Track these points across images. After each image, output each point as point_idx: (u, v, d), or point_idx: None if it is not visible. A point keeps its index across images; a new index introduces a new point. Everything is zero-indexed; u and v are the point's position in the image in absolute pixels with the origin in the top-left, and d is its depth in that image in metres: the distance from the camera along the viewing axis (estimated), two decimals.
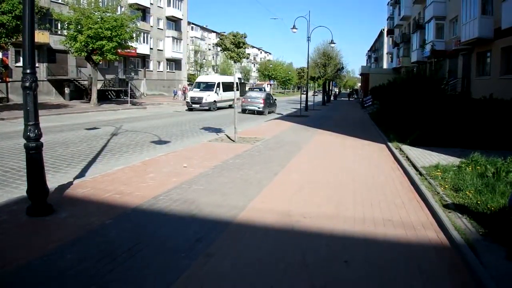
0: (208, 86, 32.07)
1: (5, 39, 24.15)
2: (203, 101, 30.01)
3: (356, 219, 5.36)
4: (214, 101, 30.94)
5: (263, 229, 4.99)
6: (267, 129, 16.93)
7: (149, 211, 5.62)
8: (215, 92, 31.36)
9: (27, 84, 5.30)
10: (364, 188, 7.13)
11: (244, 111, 29.42)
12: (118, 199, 6.15)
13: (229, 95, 31.59)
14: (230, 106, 30.55)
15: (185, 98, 46.71)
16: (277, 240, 4.66)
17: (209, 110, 30.01)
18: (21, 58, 35.62)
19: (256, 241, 4.62)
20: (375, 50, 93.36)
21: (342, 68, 55.61)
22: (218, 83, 32.39)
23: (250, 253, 4.30)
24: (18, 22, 22.59)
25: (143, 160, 9.47)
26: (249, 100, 30.44)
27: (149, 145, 12.37)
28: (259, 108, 28.96)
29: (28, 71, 5.32)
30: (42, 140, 5.49)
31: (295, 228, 5.02)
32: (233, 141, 12.50)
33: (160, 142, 12.99)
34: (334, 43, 36.08)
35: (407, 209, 5.90)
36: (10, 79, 34.85)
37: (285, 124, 19.31)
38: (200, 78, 35.24)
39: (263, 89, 42.00)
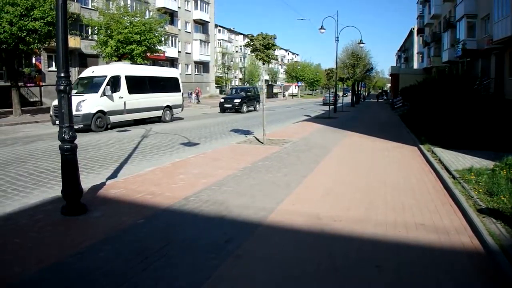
0: (92, 86, 18.51)
1: (38, 44, 24.77)
2: (77, 112, 15.88)
3: (387, 223, 5.29)
4: (101, 111, 17.34)
5: (292, 232, 4.98)
6: (295, 131, 16.89)
7: (179, 212, 5.68)
8: (104, 94, 17.67)
9: (62, 87, 5.45)
10: (395, 191, 7.03)
11: (223, 110, 31.05)
12: (150, 199, 6.25)
13: (162, 98, 21.64)
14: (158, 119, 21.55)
15: (198, 101, 46.68)
16: (306, 243, 4.64)
17: (84, 131, 16.67)
18: (53, 63, 36.96)
19: (285, 244, 4.61)
20: (405, 50, 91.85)
21: (371, 68, 55.03)
22: (115, 78, 18.53)
23: (279, 255, 4.30)
24: (50, 28, 23.18)
25: (173, 161, 9.59)
26: (228, 100, 31.61)
27: (178, 147, 12.53)
28: (236, 106, 30.83)
29: (62, 74, 5.46)
30: (76, 142, 5.63)
31: (325, 231, 4.99)
32: (262, 143, 12.53)
33: (189, 144, 13.14)
34: (363, 43, 35.61)
35: (440, 214, 5.78)
36: (43, 83, 35.77)
37: (313, 126, 19.22)
38: (86, 72, 20.51)
39: (250, 89, 37.20)
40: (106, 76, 18.35)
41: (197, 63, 62.15)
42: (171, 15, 52.37)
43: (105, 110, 17.64)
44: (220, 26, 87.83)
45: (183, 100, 24.21)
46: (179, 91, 23.71)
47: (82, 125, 16.44)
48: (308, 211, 5.72)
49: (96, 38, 34.26)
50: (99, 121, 17.30)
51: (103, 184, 7.23)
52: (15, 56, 25.85)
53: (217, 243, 4.58)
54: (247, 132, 16.07)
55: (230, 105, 31.22)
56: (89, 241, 4.64)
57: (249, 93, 34.16)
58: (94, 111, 17.01)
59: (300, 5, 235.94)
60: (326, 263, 4.13)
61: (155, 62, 50.09)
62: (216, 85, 73.21)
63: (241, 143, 12.79)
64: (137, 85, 19.86)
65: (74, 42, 35.46)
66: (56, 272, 3.90)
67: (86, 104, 16.91)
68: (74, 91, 17.08)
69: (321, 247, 4.52)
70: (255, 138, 13.85)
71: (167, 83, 22.83)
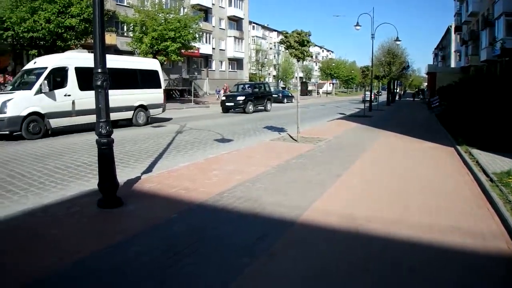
0: (30, 81, 14.82)
1: (75, 41, 25.44)
2: (1, 115, 13.04)
3: (422, 226, 5.12)
4: (36, 113, 13.72)
5: (325, 231, 4.91)
6: (330, 129, 16.75)
7: (213, 208, 5.69)
8: (40, 91, 13.86)
9: (99, 83, 5.54)
10: (431, 193, 6.84)
11: (225, 110, 27.49)
12: (183, 194, 6.29)
13: (131, 96, 17.48)
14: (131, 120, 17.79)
15: None
16: (340, 243, 4.56)
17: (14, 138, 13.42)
18: None
19: (319, 243, 4.55)
20: (442, 48, 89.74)
21: (408, 66, 54.03)
22: (59, 71, 14.77)
23: (312, 254, 4.24)
24: (87, 25, 23.80)
25: (207, 157, 9.64)
26: (230, 97, 27.92)
27: (212, 143, 12.59)
28: (239, 105, 27.24)
29: (99, 70, 5.55)
30: (112, 136, 5.72)
31: (359, 232, 4.89)
32: (296, 140, 12.45)
33: (223, 140, 13.19)
34: (399, 41, 34.99)
35: (477, 218, 5.56)
36: None
37: (348, 125, 19.01)
38: (29, 64, 16.37)
39: (259, 85, 32.04)
40: (45, 68, 14.41)
41: (231, 60, 62.41)
42: (205, 12, 52.73)
43: (42, 112, 13.80)
44: (254, 23, 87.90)
45: (164, 98, 19.88)
46: (159, 87, 19.37)
47: (7, 131, 13.06)
48: (341, 211, 5.62)
49: (131, 35, 34.84)
50: (33, 126, 13.52)
51: (138, 178, 7.33)
52: (53, 52, 26.46)
53: (250, 240, 4.55)
54: (281, 130, 16.01)
55: (233, 104, 27.34)
56: (123, 234, 4.70)
57: (257, 90, 29.91)
58: (24, 113, 13.27)
59: (335, 2, 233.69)
60: (359, 264, 4.05)
61: (190, 59, 50.62)
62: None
63: (274, 140, 12.75)
64: (82, 78, 15.13)
65: (110, 39, 36.08)
66: (90, 263, 3.96)
67: (13, 104, 13.14)
68: (8, 88, 15.53)
69: (354, 248, 4.44)
70: (289, 135, 13.78)
71: (142, 77, 18.46)
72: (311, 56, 12.72)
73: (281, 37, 12.74)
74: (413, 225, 5.13)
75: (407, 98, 71.76)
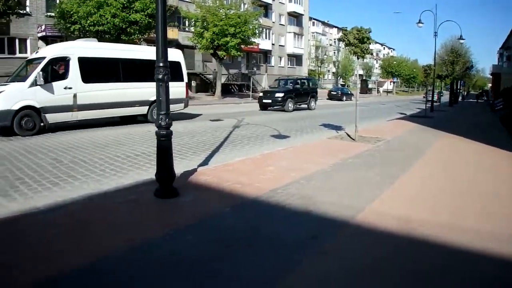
0: (23, 75, 14.05)
1: (138, 35, 26.23)
2: None
3: (480, 233, 4.85)
4: (31, 107, 12.57)
5: (379, 233, 4.77)
6: (388, 129, 16.33)
7: (267, 203, 5.68)
8: (35, 83, 12.66)
9: (160, 76, 5.66)
10: (492, 200, 6.48)
11: (262, 107, 25.09)
12: (238, 188, 6.32)
13: (146, 90, 15.56)
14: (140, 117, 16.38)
15: None
16: (394, 246, 4.42)
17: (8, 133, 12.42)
18: None
19: (372, 245, 4.43)
20: (507, 47, 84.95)
21: (471, 66, 51.87)
22: (59, 61, 13.75)
23: (365, 256, 4.14)
24: (150, 20, 24.49)
25: (263, 153, 9.66)
26: (268, 93, 25.46)
27: (269, 138, 12.61)
28: (278, 102, 24.48)
29: (161, 64, 5.66)
30: (171, 128, 5.83)
31: (413, 236, 4.71)
32: (353, 139, 12.23)
33: (280, 136, 13.18)
34: (463, 39, 33.49)
35: None
36: None
37: (408, 125, 18.46)
38: (33, 54, 16.27)
39: (302, 80, 29.29)
40: (43, 59, 13.24)
41: (290, 56, 62.28)
42: (265, 8, 52.90)
43: (38, 105, 12.66)
44: (314, 19, 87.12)
45: (187, 93, 18.07)
46: (182, 80, 17.43)
47: None
48: (398, 214, 5.45)
49: (192, 30, 35.46)
50: (26, 121, 12.39)
51: (194, 170, 7.45)
52: None
53: (303, 238, 4.50)
54: (338, 128, 15.80)
55: (270, 101, 24.77)
56: (177, 224, 4.80)
57: (299, 86, 27.22)
58: (16, 107, 12.21)
59: None
60: (411, 269, 3.90)
61: (249, 54, 50.96)
62: None
63: (331, 139, 12.59)
64: (100, 70, 14.52)
65: (172, 33, 36.91)
66: (143, 250, 4.07)
67: (3, 98, 12.17)
68: (8, 79, 14.42)
69: (407, 252, 4.30)
70: (347, 134, 13.57)
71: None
72: (371, 54, 12.50)
73: (341, 33, 12.54)
74: (471, 232, 4.88)
75: (470, 99, 68.85)
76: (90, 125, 14.30)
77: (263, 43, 51.62)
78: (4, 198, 6.07)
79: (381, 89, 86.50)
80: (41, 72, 12.65)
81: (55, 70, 13.51)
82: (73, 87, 13.51)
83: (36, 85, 12.60)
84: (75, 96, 13.52)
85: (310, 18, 76.88)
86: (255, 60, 54.59)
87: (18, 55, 30.78)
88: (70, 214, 5.11)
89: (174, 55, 17.22)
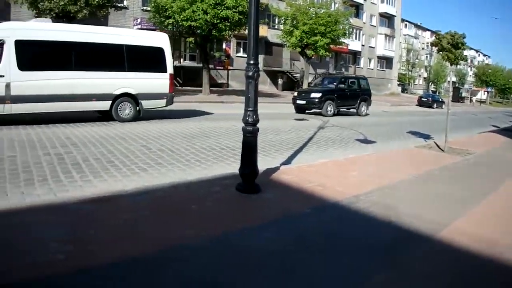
0: None
1: (229, 31, 26.83)
2: None
3: None
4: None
5: (463, 253, 4.46)
6: (480, 141, 15.37)
7: (347, 209, 5.56)
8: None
9: (250, 73, 5.71)
10: None
11: (298, 109, 21.49)
12: (319, 191, 6.25)
13: (110, 81, 13.05)
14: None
15: None
16: (477, 269, 4.14)
17: None
18: (241, 49, 39.48)
19: (453, 265, 4.17)
20: None
21: None
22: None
23: (443, 275, 3.91)
24: (241, 17, 24.92)
25: (347, 157, 9.48)
26: (303, 94, 21.96)
27: (354, 142, 12.36)
28: (314, 104, 20.77)
29: (251, 62, 5.70)
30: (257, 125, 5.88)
31: (501, 262, 4.37)
32: (442, 150, 11.63)
33: (365, 141, 12.86)
34: None
35: None
36: (231, 67, 38.56)
37: (501, 139, 17.18)
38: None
39: (350, 80, 24.93)
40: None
41: (380, 58, 60.80)
42: (356, 8, 52.01)
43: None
44: (407, 21, 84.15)
45: (171, 87, 14.56)
46: (164, 70, 14.26)
47: None
48: (484, 235, 5.04)
49: (282, 28, 35.68)
50: None
51: (277, 168, 7.47)
52: (208, 41, 28.33)
53: (381, 249, 4.36)
54: (426, 136, 15.13)
55: (304, 102, 21.12)
56: (257, 220, 4.85)
57: (344, 86, 23.14)
58: None
59: (494, 2, 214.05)
60: None
61: (338, 55, 50.41)
62: (398, 83, 70.66)
63: (419, 148, 12.07)
64: (44, 56, 12.13)
65: (261, 30, 37.27)
66: (223, 241, 4.16)
67: None
68: None
69: (490, 277, 4.00)
70: (435, 144, 12.95)
71: (132, 55, 13.65)
72: (465, 60, 11.76)
73: (434, 37, 11.99)
74: None
75: None
76: (179, 116, 14.76)
77: (353, 44, 50.78)
78: (95, 179, 6.51)
79: (474, 98, 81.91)
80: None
81: None
82: (5, 75, 11.13)
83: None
84: (7, 85, 11.16)
85: (402, 20, 74.33)
86: (344, 61, 53.89)
87: None
88: (156, 199, 5.35)
89: (156, 39, 14.56)
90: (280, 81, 41.44)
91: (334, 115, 21.08)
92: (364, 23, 56.09)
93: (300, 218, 5.04)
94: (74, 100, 12.26)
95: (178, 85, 32.53)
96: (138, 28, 33.29)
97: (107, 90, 12.94)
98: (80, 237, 4.09)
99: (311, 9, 32.89)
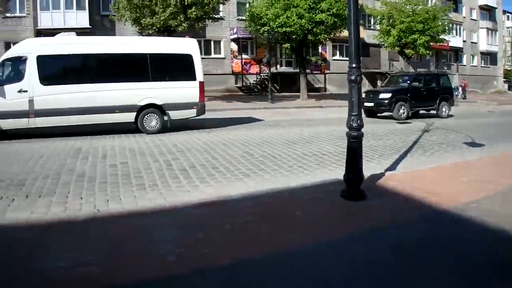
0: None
1: (324, 35, 26.68)
2: None
3: None
4: None
5: None
6: None
7: (458, 217, 5.23)
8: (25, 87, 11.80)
9: (353, 77, 5.63)
10: None
11: (367, 112, 18.48)
12: (427, 198, 5.96)
13: (133, 92, 12.79)
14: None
15: (464, 96, 39.26)
16: None
17: None
18: (337, 52, 39.08)
19: None
20: None
21: None
22: (12, 62, 12.29)
23: None
24: (335, 20, 24.75)
25: (455, 161, 8.98)
26: (371, 94, 19.67)
27: (461, 146, 11.63)
28: (383, 106, 18.46)
29: (353, 65, 5.63)
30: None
31: None
32: None
33: (473, 144, 12.06)
34: None
35: None
36: (328, 71, 38.32)
37: None
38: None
39: (420, 78, 21.30)
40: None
41: (483, 54, 57.10)
42: (454, 2, 49.26)
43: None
44: (509, 12, 77.85)
45: (202, 95, 13.79)
46: (193, 78, 13.56)
47: None
48: None
49: (378, 28, 34.89)
50: None
51: (381, 174, 7.28)
52: (304, 46, 28.40)
53: (496, 264, 3.98)
54: None
55: (372, 104, 18.87)
56: (362, 227, 4.76)
57: (419, 84, 20.23)
58: None
59: None
60: None
61: (438, 53, 48.12)
62: (504, 79, 65.74)
63: None
64: (65, 70, 12.65)
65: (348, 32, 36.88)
66: (328, 248, 4.13)
67: None
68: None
69: None
70: None
71: (157, 64, 13.33)
72: None
73: None
74: None
75: None
76: (279, 121, 14.92)
77: (454, 40, 48.14)
78: (201, 184, 6.81)
79: None
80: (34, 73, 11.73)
81: (9, 72, 12.12)
82: (29, 90, 11.69)
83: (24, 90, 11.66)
84: (31, 100, 11.69)
85: (504, 12, 68.67)
86: (445, 59, 51.34)
87: (213, 55, 34.24)
88: (261, 205, 5.49)
89: (184, 46, 13.99)
90: (379, 83, 40.29)
91: (408, 117, 18.55)
92: (464, 17, 52.97)
93: (408, 226, 4.85)
94: (96, 113, 12.31)
95: (276, 91, 32.93)
96: (235, 38, 34.25)
97: (130, 101, 12.72)
98: (190, 240, 4.32)
99: (407, 7, 31.84)
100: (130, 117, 12.89)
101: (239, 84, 35.67)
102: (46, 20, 29.23)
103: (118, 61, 12.81)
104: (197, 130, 13.36)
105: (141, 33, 24.73)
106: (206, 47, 34.29)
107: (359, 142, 5.74)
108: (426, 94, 19.81)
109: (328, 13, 24.99)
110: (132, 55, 12.92)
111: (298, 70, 30.96)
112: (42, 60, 11.76)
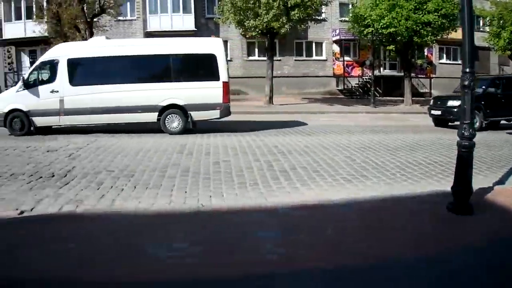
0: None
1: (431, 37, 25.53)
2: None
3: None
4: (19, 110, 12.93)
5: None
6: None
7: None
8: (24, 87, 13.14)
9: (466, 82, 5.35)
10: None
11: (435, 121, 16.95)
12: None
13: (156, 93, 13.09)
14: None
15: None
16: None
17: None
18: (444, 55, 37.13)
19: None
20: None
21: None
22: (46, 65, 13.50)
23: None
24: (444, 21, 23.58)
25: None
26: (438, 101, 17.20)
27: None
28: (451, 114, 15.50)
29: (467, 70, 5.35)
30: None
31: None
32: None
33: None
34: None
35: None
36: (434, 75, 36.60)
37: None
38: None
39: (498, 82, 16.92)
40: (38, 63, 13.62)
41: None
42: None
43: (24, 109, 12.82)
44: None
45: (225, 96, 13.43)
46: (217, 78, 13.30)
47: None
48: None
49: (488, 30, 32.67)
50: (14, 123, 12.89)
51: (490, 188, 6.80)
52: (409, 48, 27.35)
53: None
54: None
55: (439, 112, 16.53)
56: (465, 243, 4.57)
57: (498, 90, 16.54)
58: (6, 109, 12.84)
59: None
60: None
61: None
62: None
63: None
64: (92, 72, 13.33)
65: (457, 34, 34.82)
66: (430, 263, 3.97)
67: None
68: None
69: None
70: None
71: (180, 64, 13.85)
72: None
73: None
74: None
75: None
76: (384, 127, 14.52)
77: None
78: (302, 186, 6.85)
79: None
80: (24, 76, 13.47)
81: (43, 74, 13.45)
82: (60, 91, 12.80)
83: (24, 89, 12.96)
84: (61, 100, 12.78)
85: None
86: None
87: (314, 57, 34.29)
88: (363, 212, 5.44)
89: (208, 46, 13.87)
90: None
91: (481, 128, 15.04)
92: None
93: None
94: (119, 112, 12.91)
95: (379, 95, 32.11)
96: (337, 39, 33.91)
97: (152, 101, 13.00)
98: (291, 240, 4.39)
99: None
100: (151, 117, 13.27)
101: (340, 87, 35.19)
102: (154, 23, 31.10)
103: (142, 62, 13.43)
104: (300, 134, 13.40)
105: (244, 35, 26.39)
106: (307, 49, 34.44)
107: (470, 152, 5.41)
108: (505, 101, 16.38)
109: (435, 14, 23.92)
110: (155, 56, 13.42)
111: (402, 74, 29.89)
112: (72, 63, 12.88)
